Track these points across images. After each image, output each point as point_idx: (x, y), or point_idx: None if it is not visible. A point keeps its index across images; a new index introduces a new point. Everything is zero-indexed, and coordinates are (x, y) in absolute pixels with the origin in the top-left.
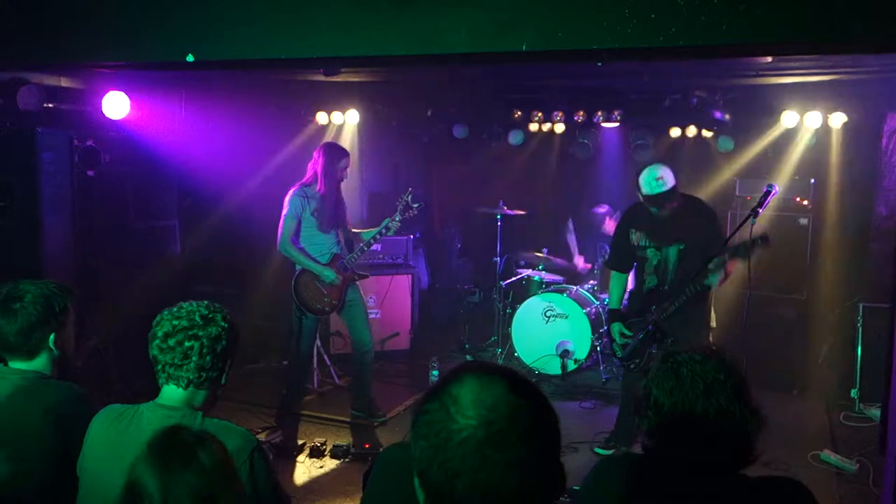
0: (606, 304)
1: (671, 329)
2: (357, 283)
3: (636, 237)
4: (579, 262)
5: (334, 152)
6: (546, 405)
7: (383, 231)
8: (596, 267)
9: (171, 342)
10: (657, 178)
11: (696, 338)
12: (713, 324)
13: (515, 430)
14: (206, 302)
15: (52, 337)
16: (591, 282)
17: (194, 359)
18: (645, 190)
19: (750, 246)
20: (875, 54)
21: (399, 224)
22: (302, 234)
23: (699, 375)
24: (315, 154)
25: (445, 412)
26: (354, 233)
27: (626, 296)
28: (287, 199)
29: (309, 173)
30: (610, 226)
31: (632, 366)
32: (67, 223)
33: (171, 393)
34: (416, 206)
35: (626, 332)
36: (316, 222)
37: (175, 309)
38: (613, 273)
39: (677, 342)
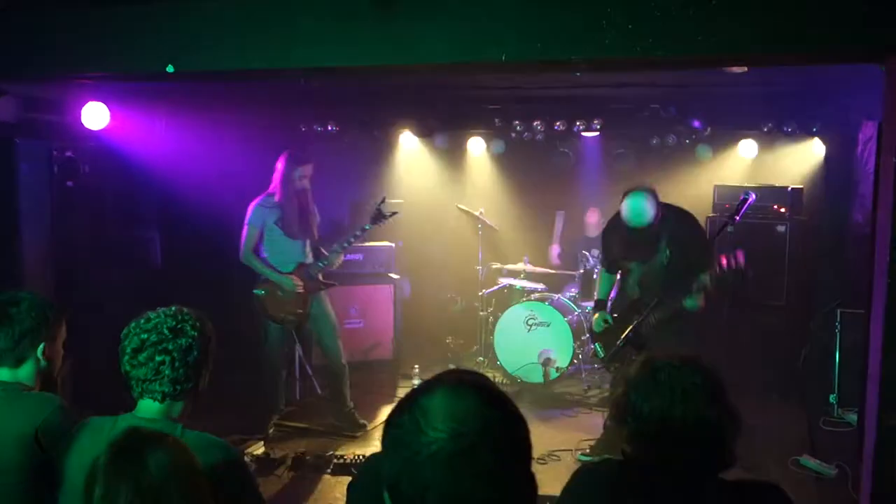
0: (589, 312)
1: (656, 338)
2: (324, 295)
3: (617, 250)
4: (554, 251)
5: (291, 160)
6: (517, 415)
7: (350, 241)
8: (577, 276)
9: (142, 358)
10: (639, 212)
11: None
12: None
13: (486, 442)
14: (173, 309)
15: (41, 347)
16: (573, 290)
17: (167, 373)
18: (626, 217)
19: (730, 279)
20: (842, 64)
21: (366, 233)
22: (267, 243)
23: (676, 380)
24: (277, 163)
25: (416, 425)
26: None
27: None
28: (249, 208)
29: (272, 183)
30: (592, 217)
31: (611, 369)
32: (46, 234)
33: (148, 406)
34: (389, 214)
35: (609, 319)
36: (281, 231)
37: (142, 321)
38: (602, 271)
39: (640, 337)
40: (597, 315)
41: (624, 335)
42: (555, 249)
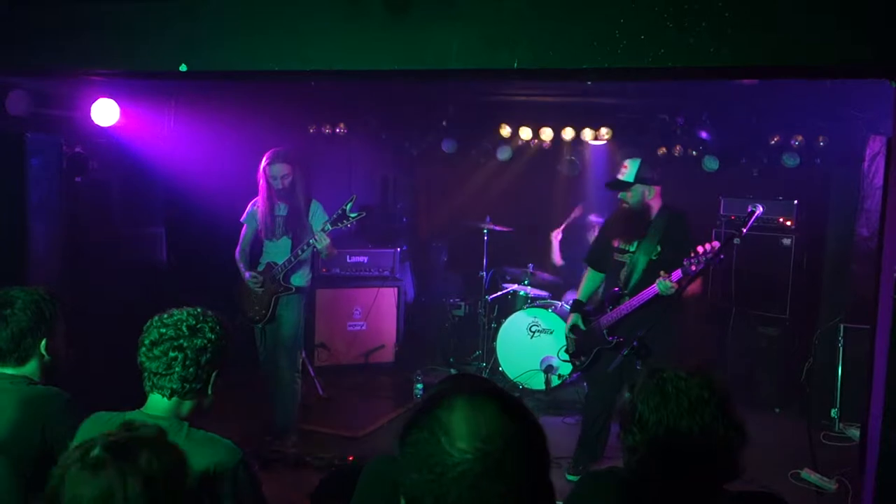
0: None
1: (635, 329)
2: (296, 299)
3: (613, 230)
4: (556, 237)
5: (263, 160)
6: (536, 425)
7: (308, 244)
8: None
9: (157, 351)
10: (623, 167)
11: (663, 347)
12: None
13: (510, 458)
14: (198, 310)
15: (43, 343)
16: (575, 297)
17: (177, 369)
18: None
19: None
20: (853, 79)
21: (327, 233)
22: (264, 242)
23: (684, 392)
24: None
25: (437, 443)
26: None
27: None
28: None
29: None
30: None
31: (577, 363)
32: (54, 229)
33: (157, 402)
34: (353, 216)
35: (581, 326)
36: (260, 231)
37: (165, 316)
38: (589, 270)
39: (645, 348)
40: (574, 316)
41: (629, 346)
42: (556, 235)
